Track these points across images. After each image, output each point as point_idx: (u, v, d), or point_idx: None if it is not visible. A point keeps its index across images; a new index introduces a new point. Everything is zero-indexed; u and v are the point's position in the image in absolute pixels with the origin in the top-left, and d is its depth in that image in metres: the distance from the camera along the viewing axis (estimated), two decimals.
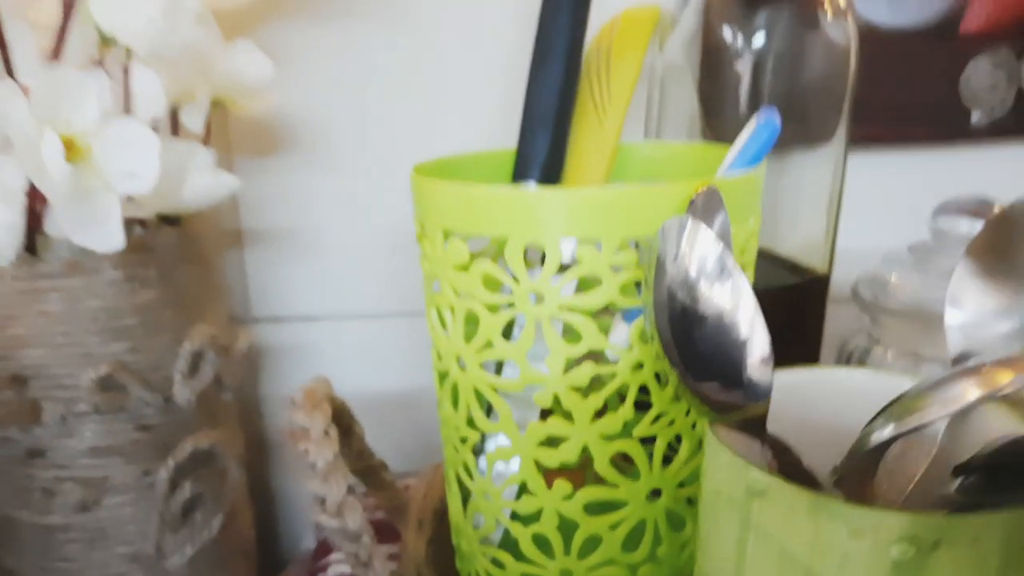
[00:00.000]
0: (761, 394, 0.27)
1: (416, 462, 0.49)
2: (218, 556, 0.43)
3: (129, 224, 0.37)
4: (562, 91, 0.40)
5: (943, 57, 0.51)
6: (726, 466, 0.27)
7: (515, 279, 0.31)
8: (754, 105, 0.40)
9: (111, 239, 0.34)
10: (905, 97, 0.52)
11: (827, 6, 0.40)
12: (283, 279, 0.54)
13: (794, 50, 0.40)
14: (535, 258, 0.32)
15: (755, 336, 0.26)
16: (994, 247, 0.30)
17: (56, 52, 0.33)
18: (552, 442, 0.33)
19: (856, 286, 0.44)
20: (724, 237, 0.30)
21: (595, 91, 0.42)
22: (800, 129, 0.42)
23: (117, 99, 0.34)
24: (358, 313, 0.54)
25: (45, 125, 0.31)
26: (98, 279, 0.37)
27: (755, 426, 0.28)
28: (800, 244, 0.45)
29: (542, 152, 0.40)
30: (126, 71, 0.35)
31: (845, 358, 0.44)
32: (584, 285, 0.31)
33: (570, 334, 0.32)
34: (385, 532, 0.42)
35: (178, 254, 0.40)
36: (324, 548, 0.46)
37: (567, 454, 0.33)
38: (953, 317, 0.30)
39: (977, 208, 0.41)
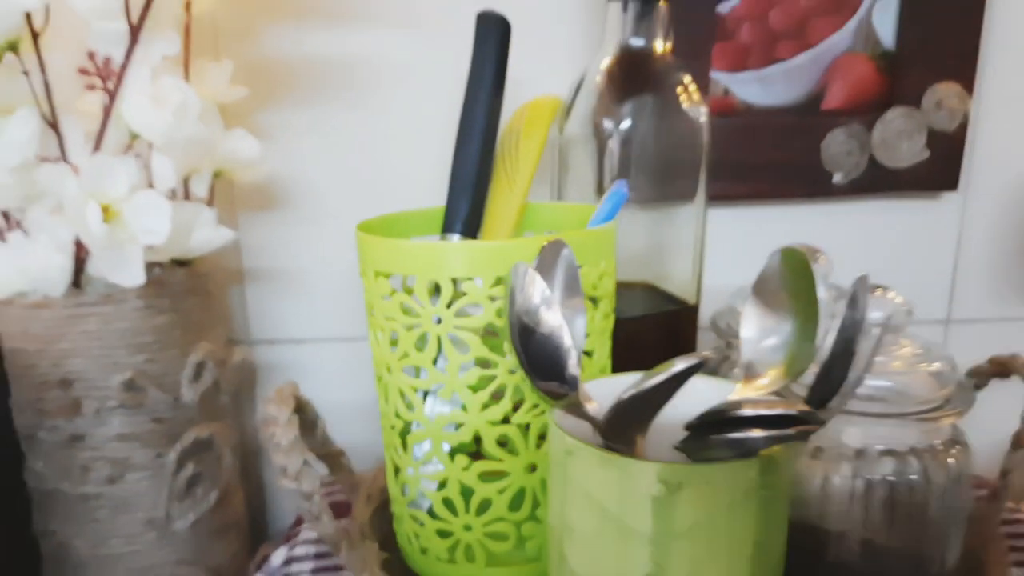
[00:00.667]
0: (575, 386, 0.37)
1: (382, 460, 0.60)
2: (215, 524, 0.54)
3: (149, 266, 0.48)
4: (479, 163, 0.51)
5: (808, 129, 0.62)
6: (554, 436, 0.38)
7: (421, 306, 0.42)
8: (626, 173, 0.52)
9: (134, 277, 0.46)
10: (779, 162, 0.62)
11: (683, 97, 0.51)
12: (276, 308, 0.65)
13: (656, 131, 0.51)
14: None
15: (571, 347, 0.37)
16: (765, 288, 0.41)
17: (98, 143, 0.45)
18: (451, 427, 0.44)
19: (713, 317, 0.54)
20: (571, 275, 0.41)
21: (507, 163, 0.53)
22: (668, 190, 0.53)
23: (141, 176, 0.46)
24: (336, 337, 0.65)
25: (89, 197, 0.43)
26: (125, 307, 0.48)
27: (578, 408, 0.38)
28: (679, 281, 0.56)
29: (464, 210, 0.51)
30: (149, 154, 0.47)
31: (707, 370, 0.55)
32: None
33: (464, 348, 0.43)
34: (343, 510, 0.53)
35: (186, 288, 0.51)
36: (300, 519, 0.57)
37: (463, 436, 0.44)
38: (745, 333, 0.41)
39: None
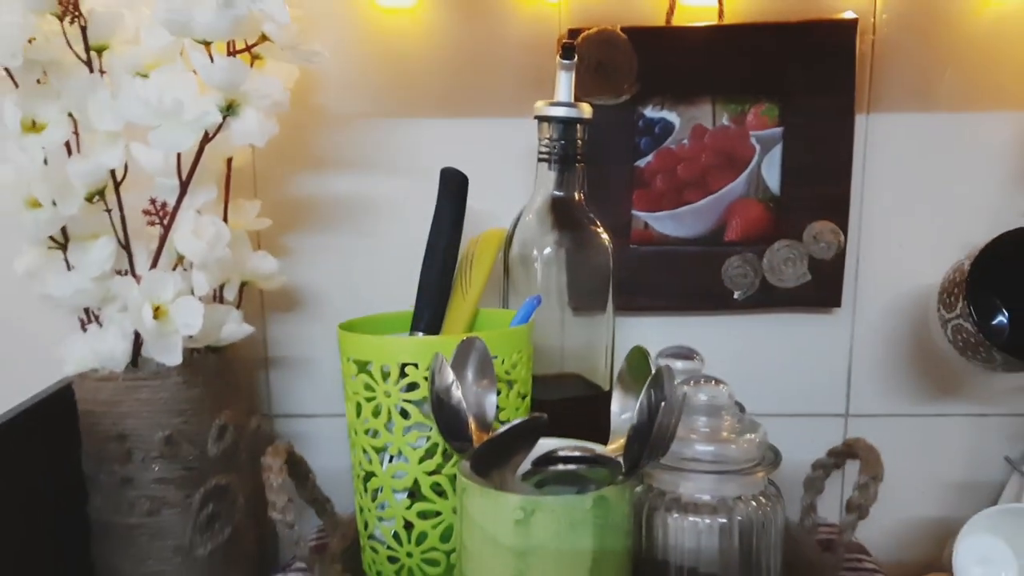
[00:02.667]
0: (471, 443, 0.50)
1: None
2: (229, 554, 0.66)
3: (188, 351, 0.63)
4: (439, 281, 0.64)
5: (711, 257, 0.75)
6: (458, 479, 0.50)
7: (376, 384, 0.56)
8: (548, 289, 0.65)
9: (175, 359, 0.60)
10: (689, 282, 0.75)
11: (592, 233, 0.65)
12: (293, 388, 0.79)
13: (570, 258, 0.65)
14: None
15: (468, 416, 0.50)
16: (624, 376, 0.53)
17: (155, 262, 0.60)
18: (398, 475, 0.57)
19: None
20: (483, 362, 0.54)
21: (463, 279, 0.67)
22: (587, 302, 0.67)
23: (185, 285, 0.61)
24: (340, 413, 0.79)
25: (145, 300, 0.58)
26: (169, 381, 0.63)
27: None
28: (600, 372, 0.68)
29: (427, 316, 0.65)
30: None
31: None
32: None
33: (406, 415, 0.56)
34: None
35: (216, 370, 0.65)
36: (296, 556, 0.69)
37: (406, 483, 0.57)
38: (613, 409, 0.53)
39: (683, 352, 0.64)
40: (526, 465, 0.47)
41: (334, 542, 0.63)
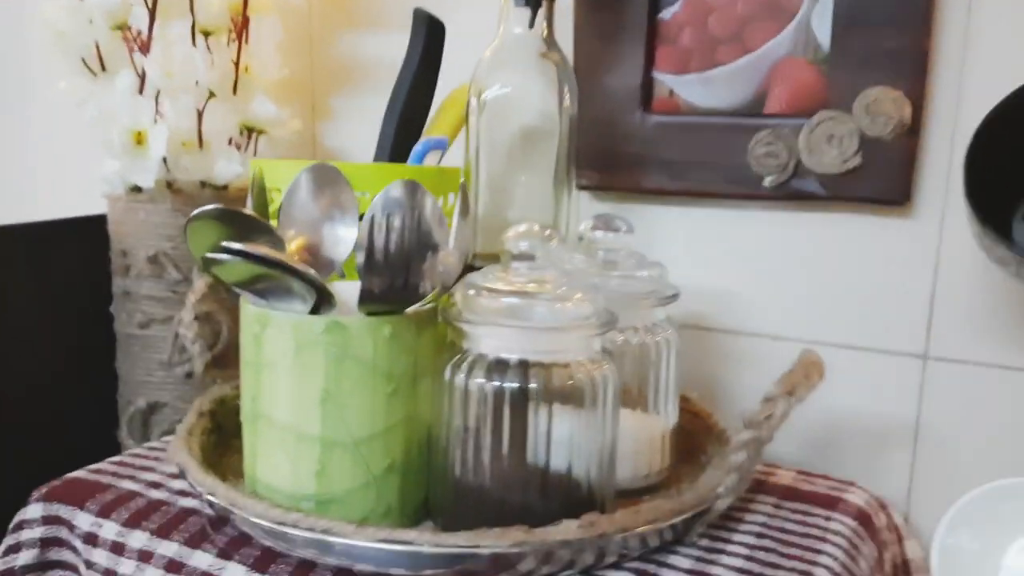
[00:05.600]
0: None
1: None
2: (207, 380, 0.72)
3: (194, 184, 0.69)
4: (396, 131, 0.63)
5: (747, 132, 0.61)
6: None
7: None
8: (493, 142, 0.59)
9: (147, 180, 0.66)
10: (712, 162, 0.63)
11: (552, 77, 0.57)
12: None
13: (519, 104, 0.58)
14: None
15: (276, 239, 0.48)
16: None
17: (140, 90, 0.67)
18: None
19: None
20: (327, 191, 0.51)
21: (428, 132, 0.64)
22: (537, 163, 0.59)
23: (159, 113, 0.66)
24: None
25: (120, 124, 0.65)
26: (163, 207, 0.69)
27: None
28: None
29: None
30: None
31: None
32: None
33: None
34: None
35: (207, 202, 0.70)
36: None
37: None
38: None
39: (610, 223, 0.54)
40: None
41: None
